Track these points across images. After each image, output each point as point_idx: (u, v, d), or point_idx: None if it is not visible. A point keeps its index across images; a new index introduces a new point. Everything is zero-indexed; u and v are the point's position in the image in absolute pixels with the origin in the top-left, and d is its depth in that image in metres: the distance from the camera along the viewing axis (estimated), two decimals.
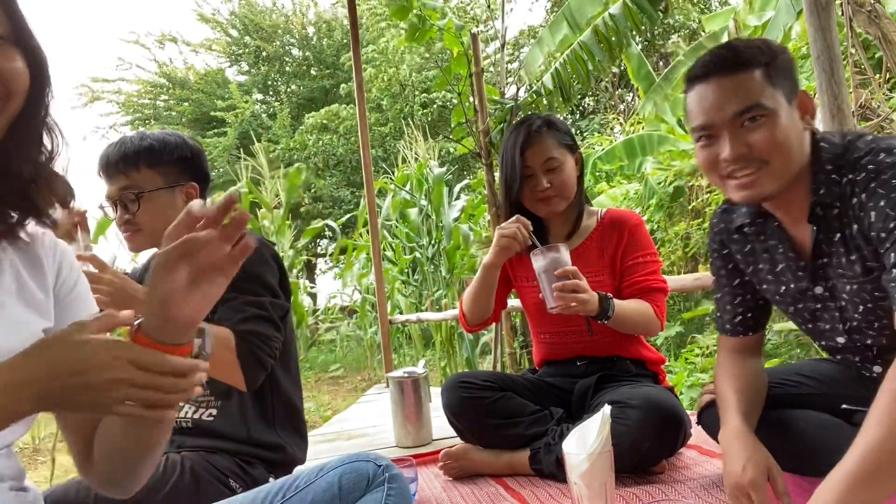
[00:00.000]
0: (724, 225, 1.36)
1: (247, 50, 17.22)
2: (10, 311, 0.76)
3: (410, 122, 11.05)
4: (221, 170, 14.45)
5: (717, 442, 1.48)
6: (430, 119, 13.68)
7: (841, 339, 1.24)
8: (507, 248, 1.71)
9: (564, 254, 1.63)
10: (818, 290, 1.22)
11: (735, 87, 1.11)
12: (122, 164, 1.44)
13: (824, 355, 1.46)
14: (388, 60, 14.35)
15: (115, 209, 1.48)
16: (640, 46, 10.43)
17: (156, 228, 1.46)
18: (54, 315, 0.82)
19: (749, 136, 1.11)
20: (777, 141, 1.10)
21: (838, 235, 1.14)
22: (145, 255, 1.64)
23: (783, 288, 1.27)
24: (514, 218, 1.73)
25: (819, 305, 1.23)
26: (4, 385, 0.62)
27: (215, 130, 15.86)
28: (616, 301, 1.68)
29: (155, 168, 1.45)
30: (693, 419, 1.62)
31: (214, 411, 1.47)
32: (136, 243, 1.48)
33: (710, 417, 1.47)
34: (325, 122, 14.93)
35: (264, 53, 17.09)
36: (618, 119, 10.54)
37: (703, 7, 12.38)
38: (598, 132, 10.67)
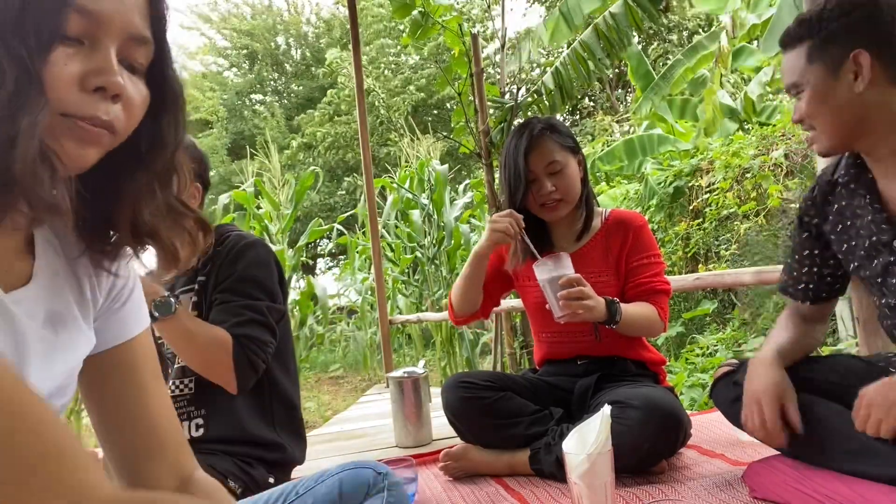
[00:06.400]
0: (821, 184, 1.41)
1: (244, 52, 17.25)
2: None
3: (394, 126, 11.04)
4: (222, 169, 14.49)
5: (725, 415, 1.48)
6: (405, 116, 13.76)
7: None
8: (498, 240, 1.72)
9: (567, 262, 1.63)
10: None
11: (785, 66, 1.30)
12: None
13: (825, 352, 1.46)
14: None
15: None
16: (640, 46, 10.43)
17: None
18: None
19: (800, 107, 1.28)
20: (814, 110, 1.25)
21: None
22: None
23: (867, 242, 1.30)
24: (506, 211, 1.73)
25: (892, 258, 1.25)
26: None
27: (207, 132, 15.92)
28: (622, 305, 1.68)
29: None
30: (693, 420, 1.61)
31: (201, 420, 1.48)
32: None
33: (720, 391, 1.47)
34: (307, 143, 15.47)
35: (259, 56, 17.13)
36: (604, 120, 10.53)
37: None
38: (590, 134, 10.65)
